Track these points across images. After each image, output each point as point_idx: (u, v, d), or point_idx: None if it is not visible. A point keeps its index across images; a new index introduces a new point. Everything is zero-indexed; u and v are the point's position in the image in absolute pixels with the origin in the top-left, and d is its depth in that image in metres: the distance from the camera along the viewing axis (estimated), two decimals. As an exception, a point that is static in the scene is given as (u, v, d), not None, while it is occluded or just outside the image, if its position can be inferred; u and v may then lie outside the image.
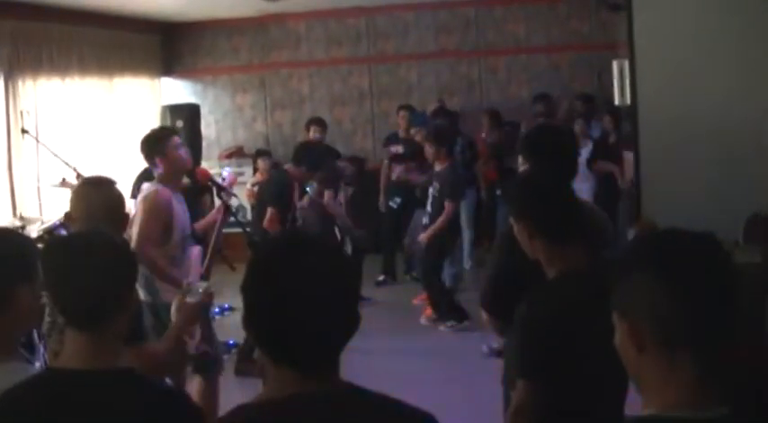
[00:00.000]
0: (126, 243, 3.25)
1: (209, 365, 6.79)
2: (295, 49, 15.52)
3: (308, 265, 2.34)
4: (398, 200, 12.00)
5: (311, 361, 2.36)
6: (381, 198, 12.78)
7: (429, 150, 10.48)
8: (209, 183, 7.54)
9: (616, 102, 7.87)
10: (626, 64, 7.47)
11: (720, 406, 2.13)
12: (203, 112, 14.70)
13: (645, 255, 2.22)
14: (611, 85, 8.93)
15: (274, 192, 9.46)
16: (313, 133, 12.00)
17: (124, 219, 5.04)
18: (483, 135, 13.13)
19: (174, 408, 2.95)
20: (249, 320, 2.38)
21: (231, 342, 9.46)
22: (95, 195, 4.99)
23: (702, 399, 2.12)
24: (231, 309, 11.20)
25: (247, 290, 2.38)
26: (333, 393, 2.38)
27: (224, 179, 7.92)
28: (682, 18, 7.28)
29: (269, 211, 9.16)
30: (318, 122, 12.40)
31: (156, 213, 6.51)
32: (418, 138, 11.78)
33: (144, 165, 7.60)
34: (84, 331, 2.87)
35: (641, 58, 7.27)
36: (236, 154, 14.95)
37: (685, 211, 6.91)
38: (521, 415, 3.65)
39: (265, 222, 9.05)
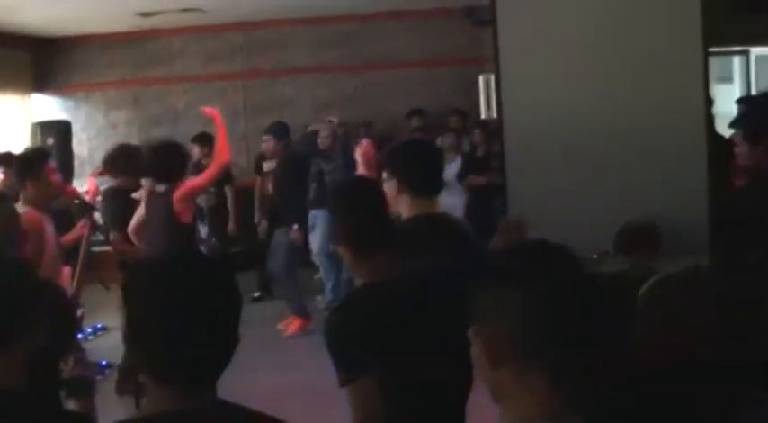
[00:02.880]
0: (25, 262, 3.21)
1: (84, 389, 6.65)
2: (170, 65, 15.37)
3: (188, 282, 2.36)
4: (272, 216, 11.91)
5: (188, 378, 2.37)
6: (257, 214, 12.68)
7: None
8: (77, 201, 7.45)
9: (482, 115, 7.95)
10: (492, 78, 7.54)
11: (575, 415, 2.16)
12: (75, 129, 14.49)
13: (501, 271, 2.23)
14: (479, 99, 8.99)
15: (116, 213, 8.70)
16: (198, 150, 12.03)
17: (20, 235, 4.92)
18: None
19: None
20: (129, 338, 2.40)
21: (104, 363, 9.30)
22: None
23: (557, 409, 2.14)
24: (104, 329, 11.03)
25: (127, 308, 2.39)
26: (207, 410, 2.38)
27: (87, 191, 7.82)
28: (546, 32, 7.38)
29: (111, 235, 8.57)
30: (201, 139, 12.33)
31: (26, 237, 6.36)
32: (264, 147, 11.74)
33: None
34: None
35: (506, 73, 7.35)
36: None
37: (556, 224, 6.97)
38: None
39: (111, 246, 8.59)
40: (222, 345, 2.40)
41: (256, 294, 12.65)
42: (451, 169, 12.25)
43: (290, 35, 15.23)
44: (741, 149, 6.68)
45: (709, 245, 6.76)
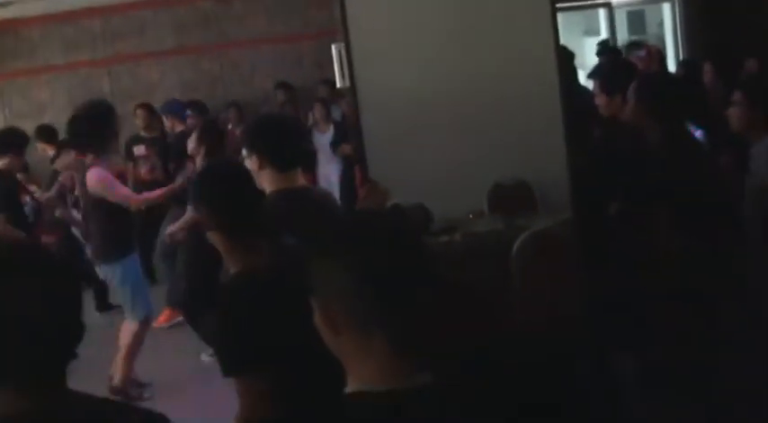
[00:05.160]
0: None
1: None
2: (31, 57, 15.05)
3: (23, 277, 2.27)
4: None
5: (31, 378, 2.28)
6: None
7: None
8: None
9: (338, 84, 7.92)
10: (343, 47, 7.55)
11: (419, 375, 2.16)
12: (-63, 129, 14.14)
13: (329, 240, 2.23)
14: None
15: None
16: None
17: None
18: (230, 127, 13.09)
19: None
20: None
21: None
22: None
23: (399, 371, 2.14)
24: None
25: None
26: (53, 407, 2.29)
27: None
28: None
29: None
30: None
31: None
32: (180, 128, 11.51)
33: None
34: None
35: (356, 41, 7.38)
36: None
37: (425, 188, 7.01)
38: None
39: None
40: (62, 338, 2.32)
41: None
42: (325, 139, 12.30)
43: (151, 18, 15.02)
44: (599, 100, 6.76)
45: (571, 199, 6.86)
